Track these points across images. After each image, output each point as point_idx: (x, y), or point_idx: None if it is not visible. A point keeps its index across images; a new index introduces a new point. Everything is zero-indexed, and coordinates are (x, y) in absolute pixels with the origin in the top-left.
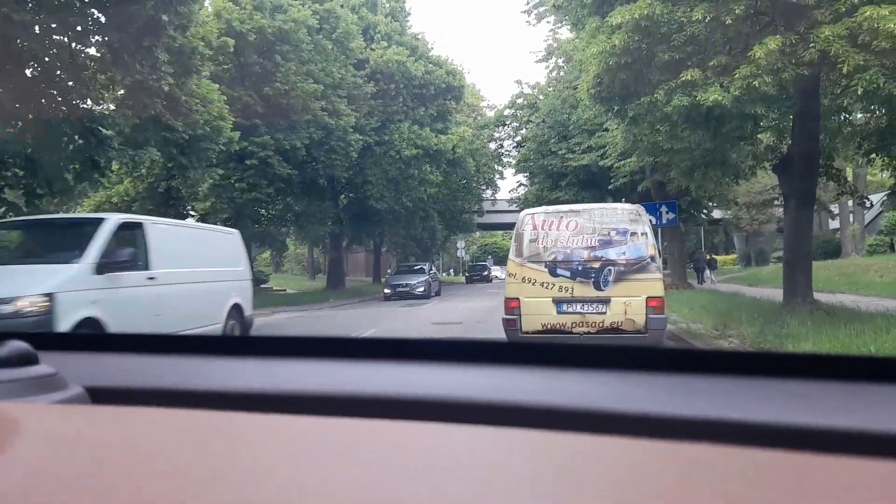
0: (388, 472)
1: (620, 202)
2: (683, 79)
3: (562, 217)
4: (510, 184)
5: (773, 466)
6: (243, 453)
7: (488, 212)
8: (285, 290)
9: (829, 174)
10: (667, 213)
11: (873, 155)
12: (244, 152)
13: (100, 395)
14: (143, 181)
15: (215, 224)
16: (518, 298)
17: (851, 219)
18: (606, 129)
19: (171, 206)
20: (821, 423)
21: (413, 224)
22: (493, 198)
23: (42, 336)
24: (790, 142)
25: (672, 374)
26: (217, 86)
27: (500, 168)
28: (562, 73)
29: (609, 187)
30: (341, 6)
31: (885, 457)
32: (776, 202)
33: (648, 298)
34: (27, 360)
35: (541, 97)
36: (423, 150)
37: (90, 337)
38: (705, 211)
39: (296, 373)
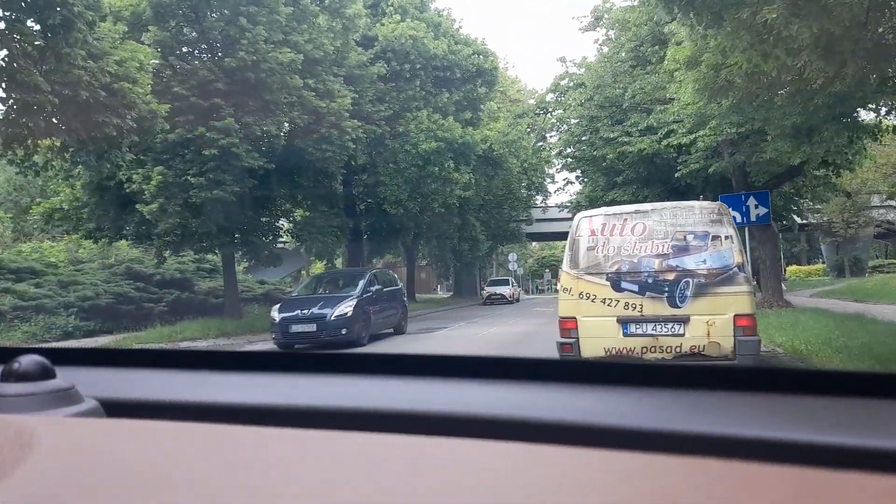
0: (434, 489)
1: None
2: None
3: (626, 219)
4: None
5: (866, 489)
6: (257, 467)
7: (538, 220)
8: None
9: None
10: (756, 207)
11: None
12: (202, 140)
13: (114, 409)
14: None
15: (168, 231)
16: (575, 318)
17: None
18: (670, 100)
19: (124, 209)
20: None
21: (446, 233)
22: (543, 204)
23: (58, 351)
24: None
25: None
26: (145, 48)
27: (550, 172)
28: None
29: (676, 177)
30: None
31: None
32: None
33: (736, 317)
34: (44, 374)
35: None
36: (445, 144)
37: (105, 352)
38: (797, 209)
39: (309, 387)
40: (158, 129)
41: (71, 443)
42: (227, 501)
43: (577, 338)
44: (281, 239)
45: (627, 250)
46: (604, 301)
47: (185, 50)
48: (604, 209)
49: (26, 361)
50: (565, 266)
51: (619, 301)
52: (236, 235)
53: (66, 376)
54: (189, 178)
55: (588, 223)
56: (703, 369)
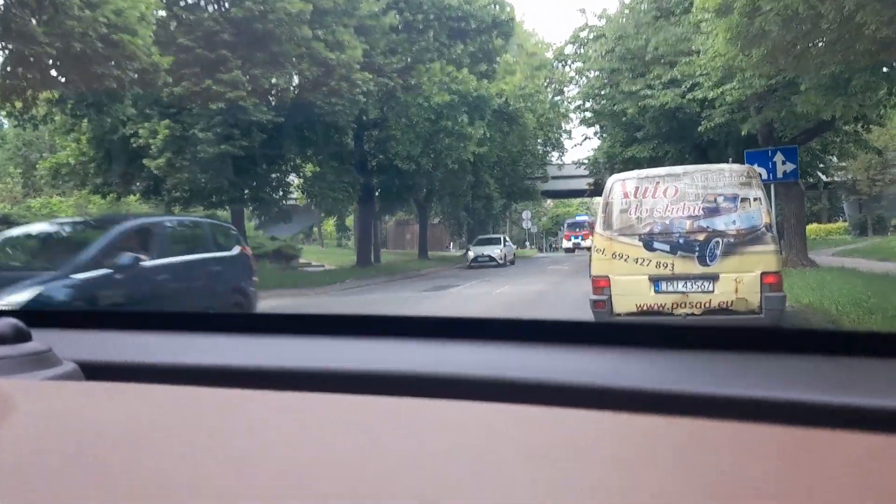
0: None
1: (713, 157)
2: None
3: (658, 182)
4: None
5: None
6: (237, 428)
7: (553, 177)
8: (324, 266)
9: None
10: (783, 163)
11: None
12: (209, 93)
13: (93, 371)
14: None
15: (176, 186)
16: (608, 277)
17: None
18: (696, 52)
19: (132, 164)
20: None
21: (459, 190)
22: (560, 161)
23: (34, 313)
24: None
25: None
26: None
27: (567, 127)
28: None
29: (699, 132)
30: None
31: None
32: None
33: (763, 274)
34: (20, 336)
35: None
36: (459, 97)
37: (82, 313)
38: (823, 166)
39: (289, 349)
40: (161, 81)
41: (48, 406)
42: (207, 462)
43: (610, 295)
44: (291, 195)
45: (660, 212)
46: (636, 260)
47: (190, 0)
48: (636, 172)
49: (0, 324)
50: (598, 228)
51: (651, 260)
52: (246, 191)
53: (42, 339)
54: (196, 132)
55: (621, 186)
56: (726, 329)
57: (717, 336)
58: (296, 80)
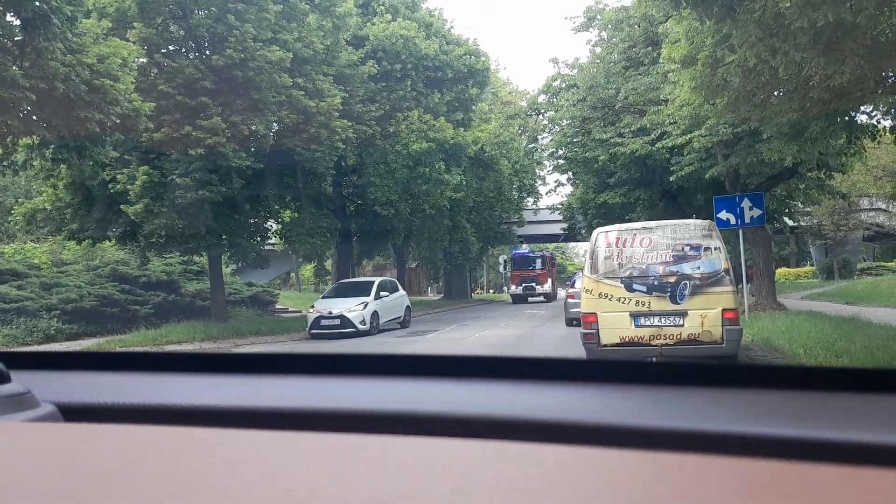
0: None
1: (682, 207)
2: None
3: (635, 234)
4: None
5: (879, 485)
6: (218, 468)
7: (529, 222)
8: (300, 312)
9: None
10: (751, 209)
11: None
12: (188, 139)
13: (72, 413)
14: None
15: (153, 232)
16: (595, 313)
17: None
18: (664, 101)
19: (109, 209)
20: None
21: (437, 234)
22: (534, 206)
23: (13, 354)
24: None
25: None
26: (128, 44)
27: (541, 174)
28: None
29: (670, 180)
30: None
31: None
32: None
33: (724, 311)
34: None
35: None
36: (436, 144)
37: (60, 355)
38: (789, 211)
39: (268, 388)
40: (143, 127)
41: (27, 448)
42: (186, 501)
43: (598, 329)
44: (269, 241)
45: (637, 259)
46: (619, 299)
47: (171, 48)
48: (617, 226)
49: None
50: (586, 272)
51: (631, 299)
52: (223, 237)
53: (21, 380)
54: (175, 178)
55: (605, 237)
56: (696, 367)
57: (690, 372)
58: (275, 126)
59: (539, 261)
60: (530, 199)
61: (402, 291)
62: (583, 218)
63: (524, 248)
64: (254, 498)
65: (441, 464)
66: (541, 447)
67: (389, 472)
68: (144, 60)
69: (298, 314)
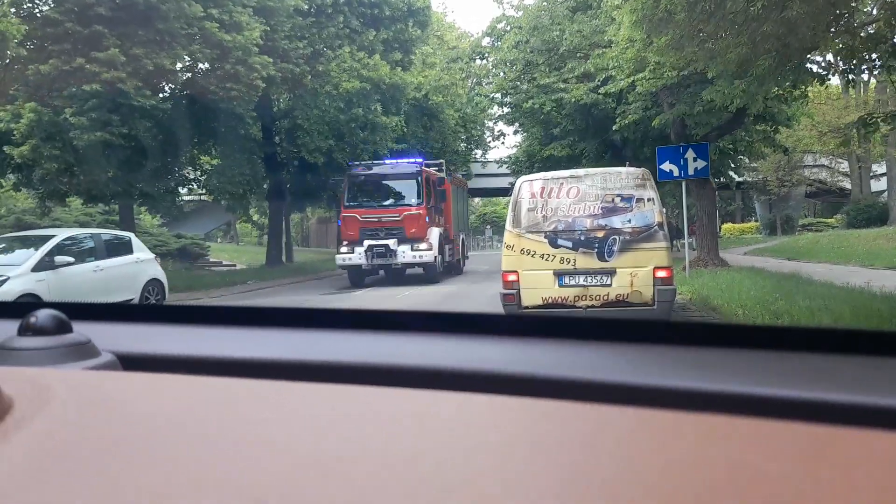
0: (410, 440)
1: (627, 159)
2: None
3: (562, 184)
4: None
5: (784, 437)
6: (271, 419)
7: (477, 175)
8: (234, 266)
9: None
10: (695, 160)
11: None
12: (82, 73)
13: (130, 363)
14: None
15: (47, 178)
16: (517, 271)
17: None
18: (610, 44)
19: None
20: (828, 397)
21: None
22: (483, 159)
23: (74, 306)
24: None
25: (665, 346)
26: None
27: (489, 125)
28: None
29: (613, 129)
30: None
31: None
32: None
33: (656, 269)
34: (61, 328)
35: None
36: (371, 84)
37: (119, 307)
38: (734, 165)
39: (327, 343)
40: (11, 52)
41: (87, 395)
42: (242, 453)
43: (519, 289)
44: (200, 190)
45: (563, 211)
46: (542, 256)
47: None
48: (543, 174)
49: (43, 316)
50: (508, 225)
51: (555, 256)
52: (138, 185)
53: (82, 331)
54: (68, 116)
55: (529, 187)
56: (621, 323)
57: (616, 328)
58: (187, 61)
59: (408, 184)
60: (478, 152)
61: (136, 256)
62: (529, 171)
63: (385, 162)
64: (305, 448)
65: (415, 413)
66: (476, 396)
67: (429, 427)
68: None
69: (231, 268)
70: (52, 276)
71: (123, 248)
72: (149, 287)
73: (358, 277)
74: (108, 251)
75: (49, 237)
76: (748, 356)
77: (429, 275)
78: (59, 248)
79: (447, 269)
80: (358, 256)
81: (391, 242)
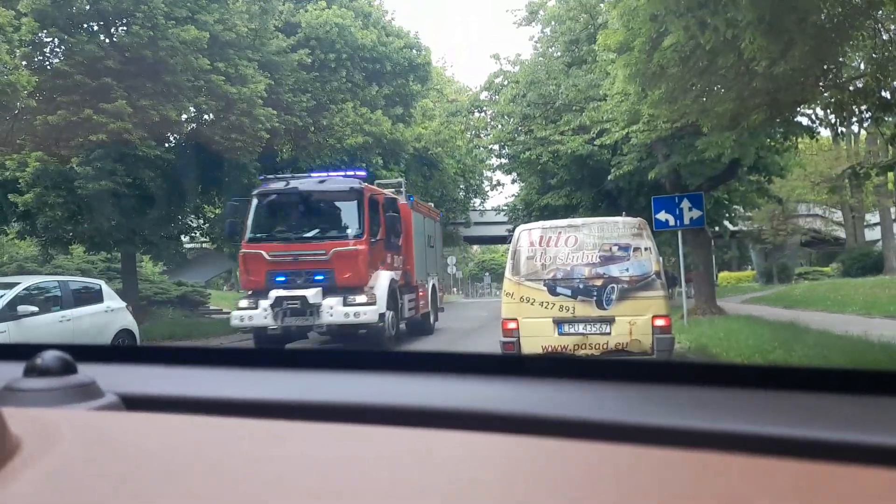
0: (411, 479)
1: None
2: None
3: (560, 232)
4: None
5: (780, 475)
6: (273, 459)
7: (476, 223)
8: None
9: None
10: (690, 209)
11: None
12: (89, 123)
13: (134, 403)
14: None
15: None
16: (516, 319)
17: None
18: (604, 98)
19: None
20: (823, 435)
21: None
22: (481, 207)
23: (79, 347)
24: None
25: (677, 387)
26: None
27: (487, 174)
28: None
29: (609, 179)
30: None
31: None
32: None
33: (654, 317)
34: (66, 369)
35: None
36: (373, 139)
37: (124, 349)
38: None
39: (327, 383)
40: (21, 104)
41: (92, 435)
42: (244, 492)
43: (518, 337)
44: (202, 238)
45: (562, 259)
46: (542, 304)
47: (69, 21)
48: (541, 223)
49: (49, 357)
50: (508, 273)
51: (554, 304)
52: (143, 233)
53: (86, 372)
54: (74, 166)
55: (528, 235)
56: (619, 363)
57: (614, 368)
58: (193, 112)
59: (343, 207)
60: (477, 200)
61: (106, 304)
62: (527, 220)
63: (310, 176)
64: (307, 488)
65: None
66: (478, 435)
67: (430, 466)
68: (38, 34)
69: (228, 315)
70: (13, 326)
71: (93, 296)
72: (119, 337)
73: (269, 344)
74: (77, 300)
75: (13, 284)
76: (744, 395)
77: (372, 341)
78: (23, 297)
79: (409, 328)
80: (262, 314)
81: (311, 293)
